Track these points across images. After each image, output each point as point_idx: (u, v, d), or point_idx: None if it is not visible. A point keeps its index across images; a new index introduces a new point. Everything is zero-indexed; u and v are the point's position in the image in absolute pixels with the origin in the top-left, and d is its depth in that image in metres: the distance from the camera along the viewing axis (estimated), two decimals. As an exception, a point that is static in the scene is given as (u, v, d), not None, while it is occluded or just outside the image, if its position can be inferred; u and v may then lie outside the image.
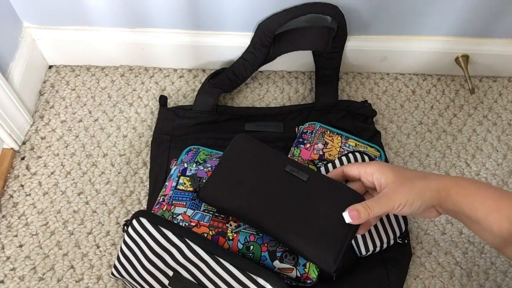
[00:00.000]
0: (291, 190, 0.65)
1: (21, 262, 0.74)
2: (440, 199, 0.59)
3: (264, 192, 0.65)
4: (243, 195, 0.65)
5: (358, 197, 0.64)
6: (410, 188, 0.59)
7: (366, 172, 0.64)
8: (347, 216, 0.60)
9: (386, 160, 0.83)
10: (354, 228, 0.63)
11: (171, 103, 0.93)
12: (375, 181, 0.63)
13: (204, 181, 0.69)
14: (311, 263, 0.65)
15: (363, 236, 0.71)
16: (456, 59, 0.94)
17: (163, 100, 0.90)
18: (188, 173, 0.72)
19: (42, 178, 0.83)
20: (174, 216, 0.66)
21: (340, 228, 0.62)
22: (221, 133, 0.86)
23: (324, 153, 0.79)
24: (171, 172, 0.73)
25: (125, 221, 0.67)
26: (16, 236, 0.77)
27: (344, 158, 0.76)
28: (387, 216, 0.74)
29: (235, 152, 0.69)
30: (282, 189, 0.65)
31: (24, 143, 0.87)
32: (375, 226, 0.72)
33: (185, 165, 0.74)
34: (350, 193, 0.65)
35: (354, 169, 0.66)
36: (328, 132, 0.82)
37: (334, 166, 0.75)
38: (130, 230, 0.64)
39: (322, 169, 0.75)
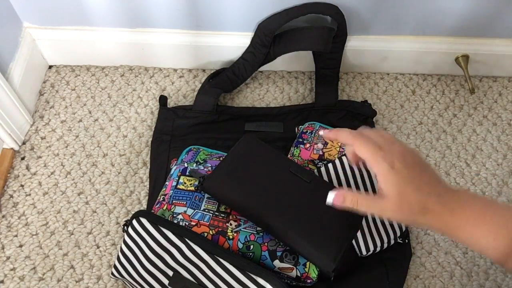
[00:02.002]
0: (294, 190, 0.65)
1: (21, 262, 0.74)
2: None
3: (268, 188, 0.65)
4: (246, 189, 0.65)
5: None
6: (407, 217, 0.58)
7: (371, 169, 0.60)
8: (331, 196, 0.57)
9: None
10: (354, 229, 0.63)
11: (171, 103, 0.93)
12: (377, 181, 0.61)
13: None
14: (311, 263, 0.65)
15: (363, 236, 0.71)
16: (456, 59, 0.94)
17: (163, 100, 0.90)
18: (188, 172, 0.72)
19: (42, 178, 0.83)
20: (174, 215, 0.67)
21: (340, 229, 0.62)
22: (221, 133, 0.86)
23: (324, 153, 0.79)
24: (171, 172, 0.73)
25: (125, 221, 0.67)
26: (16, 236, 0.77)
27: (344, 158, 0.76)
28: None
29: (241, 150, 0.69)
30: (285, 187, 0.65)
31: (24, 143, 0.87)
32: (375, 226, 0.72)
33: (185, 164, 0.74)
34: None
35: (364, 155, 0.57)
36: (328, 132, 0.82)
37: (334, 166, 0.75)
38: (130, 230, 0.64)
39: (322, 169, 0.75)
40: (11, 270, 0.74)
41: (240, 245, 0.65)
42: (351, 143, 0.57)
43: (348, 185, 0.74)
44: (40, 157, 0.85)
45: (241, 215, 0.67)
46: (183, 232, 0.63)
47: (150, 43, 0.92)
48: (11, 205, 0.80)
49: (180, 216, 0.66)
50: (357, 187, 0.74)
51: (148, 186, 0.82)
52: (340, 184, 0.74)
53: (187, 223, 0.66)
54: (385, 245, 0.73)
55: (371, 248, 0.71)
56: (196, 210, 0.67)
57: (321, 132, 0.59)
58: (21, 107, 0.84)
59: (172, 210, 0.67)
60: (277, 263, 0.64)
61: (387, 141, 0.59)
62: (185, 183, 0.70)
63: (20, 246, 0.76)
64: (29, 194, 0.81)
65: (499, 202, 0.60)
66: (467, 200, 0.57)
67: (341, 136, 0.58)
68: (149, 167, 0.84)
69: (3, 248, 0.76)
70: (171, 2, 0.84)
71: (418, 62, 0.97)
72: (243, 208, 0.65)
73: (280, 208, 0.64)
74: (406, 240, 0.75)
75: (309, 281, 0.65)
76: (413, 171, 0.57)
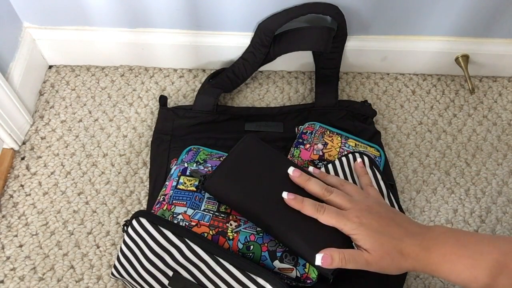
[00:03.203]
0: (295, 191, 0.65)
1: (21, 262, 0.74)
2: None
3: (268, 189, 0.65)
4: (247, 189, 0.65)
5: None
6: (391, 265, 0.59)
7: (343, 232, 0.62)
8: (319, 259, 0.60)
9: (386, 160, 0.83)
10: None
11: (171, 103, 0.93)
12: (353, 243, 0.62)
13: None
14: (310, 264, 0.65)
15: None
16: (456, 59, 0.94)
17: (163, 100, 0.90)
18: (188, 172, 0.72)
19: (42, 178, 0.83)
20: (174, 215, 0.67)
21: (339, 231, 0.62)
22: (221, 133, 0.86)
23: (324, 153, 0.79)
24: (171, 172, 0.73)
25: (125, 221, 0.67)
26: (16, 236, 0.77)
27: (344, 159, 0.76)
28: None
29: (242, 150, 0.69)
30: (286, 188, 0.65)
31: (24, 143, 0.87)
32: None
33: (185, 164, 0.74)
34: None
35: (330, 223, 0.62)
36: (328, 132, 0.82)
37: (334, 167, 0.75)
38: (129, 230, 0.64)
39: (322, 170, 0.75)
40: (11, 270, 0.74)
41: (240, 246, 0.65)
42: (315, 216, 0.62)
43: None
44: (40, 157, 0.85)
45: (241, 215, 0.67)
46: (183, 232, 0.63)
47: (150, 43, 0.92)
48: (11, 205, 0.80)
49: (180, 216, 0.66)
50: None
51: (148, 186, 0.82)
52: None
53: (187, 223, 0.66)
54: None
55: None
56: (196, 210, 0.67)
57: (284, 195, 0.64)
58: (21, 107, 0.84)
59: (172, 210, 0.67)
60: (277, 263, 0.64)
61: (352, 197, 0.64)
62: (185, 183, 0.70)
63: (20, 246, 0.76)
64: (29, 194, 0.81)
65: (472, 234, 0.60)
66: (440, 236, 0.59)
67: (305, 210, 0.63)
68: (149, 167, 0.84)
69: (3, 248, 0.76)
70: (171, 2, 0.84)
71: (418, 62, 0.97)
72: (243, 208, 0.65)
73: (280, 209, 0.64)
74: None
75: (309, 281, 0.65)
76: (382, 221, 0.61)
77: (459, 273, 0.56)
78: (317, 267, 0.61)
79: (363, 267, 0.60)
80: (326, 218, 0.61)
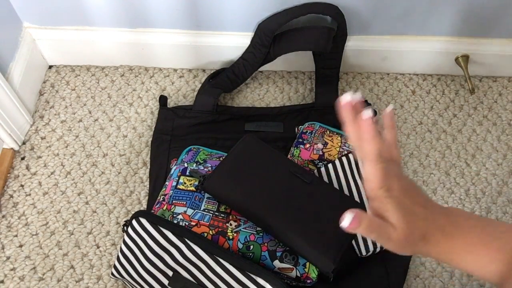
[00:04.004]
0: (294, 190, 0.65)
1: (21, 262, 0.74)
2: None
3: (268, 189, 0.66)
4: (246, 189, 0.65)
5: (360, 207, 0.64)
6: (409, 246, 0.55)
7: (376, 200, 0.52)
8: (348, 219, 0.50)
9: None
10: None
11: (171, 103, 0.93)
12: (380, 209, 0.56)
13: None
14: (310, 263, 0.65)
15: (363, 236, 0.71)
16: (456, 59, 0.94)
17: (163, 100, 0.90)
18: (188, 172, 0.72)
19: (42, 178, 0.83)
20: (174, 215, 0.67)
21: (339, 229, 0.62)
22: (221, 133, 0.86)
23: (324, 153, 0.79)
24: (171, 172, 0.73)
25: (125, 221, 0.67)
26: (16, 236, 0.77)
27: (344, 159, 0.76)
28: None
29: (242, 150, 0.69)
30: (285, 188, 0.65)
31: (24, 143, 0.87)
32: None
33: (185, 164, 0.74)
34: (353, 202, 0.65)
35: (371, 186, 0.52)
36: (328, 132, 0.82)
37: (334, 167, 0.75)
38: (129, 230, 0.64)
39: (322, 170, 0.75)
40: (11, 270, 0.74)
41: (240, 245, 0.65)
42: (370, 157, 0.50)
43: (348, 185, 0.74)
44: (40, 157, 0.85)
45: (241, 215, 0.67)
46: (182, 232, 0.63)
47: (150, 43, 0.92)
48: (11, 205, 0.80)
49: (180, 216, 0.66)
50: (357, 188, 0.74)
51: (148, 186, 0.82)
52: (340, 184, 0.74)
53: (187, 223, 0.66)
54: (385, 245, 0.72)
55: (371, 248, 0.71)
56: (196, 210, 0.67)
57: (374, 114, 0.50)
58: (21, 107, 0.84)
59: (172, 210, 0.67)
60: (277, 263, 0.64)
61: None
62: (185, 183, 0.70)
63: (20, 246, 0.76)
64: (29, 194, 0.81)
65: (498, 223, 0.57)
66: (464, 223, 0.53)
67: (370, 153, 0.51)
68: (149, 167, 0.84)
69: (3, 248, 0.76)
70: (171, 2, 0.84)
71: (418, 62, 0.97)
72: (243, 208, 0.66)
73: (280, 209, 0.64)
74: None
75: (309, 281, 0.65)
76: (411, 198, 0.51)
77: (483, 266, 0.52)
78: (317, 263, 0.61)
79: (382, 242, 0.52)
80: (373, 170, 0.50)
